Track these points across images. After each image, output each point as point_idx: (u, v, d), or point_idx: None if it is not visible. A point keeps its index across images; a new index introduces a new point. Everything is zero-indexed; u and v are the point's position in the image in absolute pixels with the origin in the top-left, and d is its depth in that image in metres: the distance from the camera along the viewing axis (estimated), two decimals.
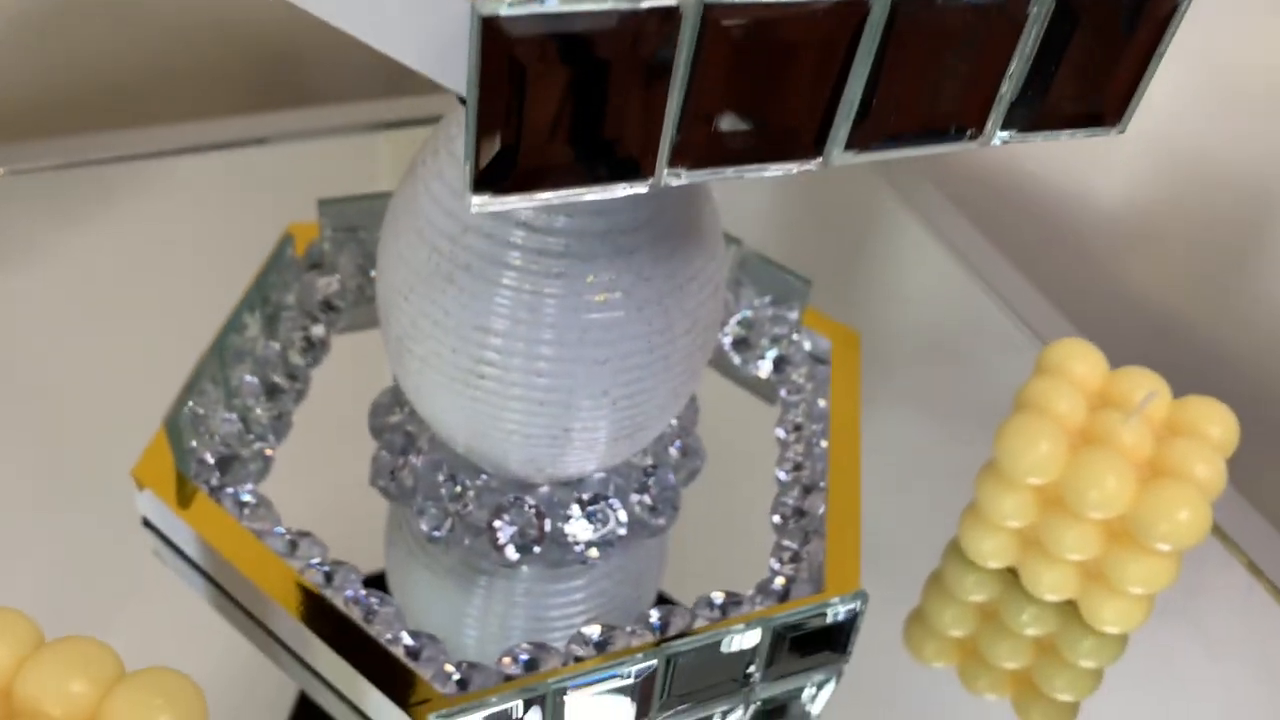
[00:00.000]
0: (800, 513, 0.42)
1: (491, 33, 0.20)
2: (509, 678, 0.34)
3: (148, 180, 0.54)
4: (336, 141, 0.59)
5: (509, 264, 0.33)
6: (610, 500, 0.40)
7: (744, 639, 0.35)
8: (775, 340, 0.48)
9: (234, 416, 0.41)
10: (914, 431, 0.49)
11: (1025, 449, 0.39)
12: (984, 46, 0.22)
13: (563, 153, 0.22)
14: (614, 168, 0.23)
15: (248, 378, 0.42)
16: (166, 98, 0.60)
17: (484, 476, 0.40)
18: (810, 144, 0.23)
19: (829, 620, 0.36)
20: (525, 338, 0.33)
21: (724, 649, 0.35)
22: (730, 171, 0.23)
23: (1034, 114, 0.23)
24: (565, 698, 0.33)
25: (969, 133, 0.23)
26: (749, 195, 0.60)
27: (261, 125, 0.58)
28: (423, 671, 0.34)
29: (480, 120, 0.21)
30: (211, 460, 0.39)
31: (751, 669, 0.36)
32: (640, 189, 0.23)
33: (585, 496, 0.40)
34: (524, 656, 0.35)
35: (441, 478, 0.40)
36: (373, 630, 0.35)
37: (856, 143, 0.23)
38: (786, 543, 0.40)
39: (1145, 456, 0.39)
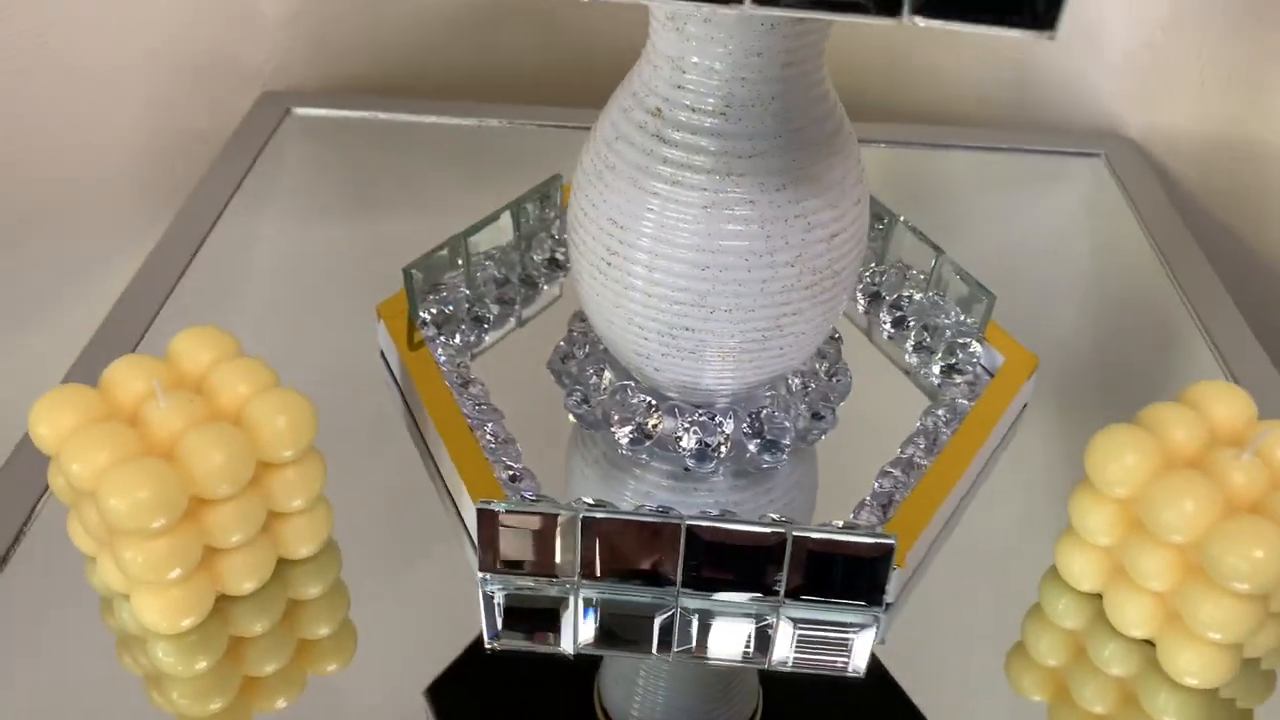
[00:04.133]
0: (897, 485, 0.43)
1: None
2: None
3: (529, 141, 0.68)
4: None
5: (641, 167, 0.40)
6: (721, 421, 0.45)
7: (765, 538, 0.38)
8: (951, 349, 0.49)
9: (466, 291, 0.51)
10: (1062, 460, 0.48)
11: (1110, 459, 0.38)
12: None
13: None
14: None
15: (489, 265, 0.52)
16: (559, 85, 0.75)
17: (626, 382, 0.47)
18: None
19: (845, 544, 0.38)
20: (641, 232, 0.40)
21: (745, 540, 0.38)
22: None
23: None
24: (594, 525, 0.38)
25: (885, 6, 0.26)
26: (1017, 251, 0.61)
27: None
28: (506, 490, 0.42)
29: None
30: (433, 313, 0.50)
31: (777, 578, 0.39)
32: None
33: (700, 413, 0.45)
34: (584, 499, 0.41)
35: (590, 372, 0.47)
36: (490, 456, 0.43)
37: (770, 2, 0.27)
38: (867, 509, 0.43)
39: (1252, 498, 0.37)
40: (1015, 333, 0.50)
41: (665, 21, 0.38)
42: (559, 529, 0.39)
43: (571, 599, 0.40)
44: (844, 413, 0.48)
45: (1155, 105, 0.68)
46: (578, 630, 0.40)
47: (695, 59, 0.38)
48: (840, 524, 0.41)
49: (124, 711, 0.38)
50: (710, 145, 0.39)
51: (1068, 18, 0.26)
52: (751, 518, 0.39)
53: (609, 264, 0.41)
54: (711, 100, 0.39)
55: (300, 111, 0.69)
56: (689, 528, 0.38)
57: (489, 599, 0.41)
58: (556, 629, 0.40)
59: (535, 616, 0.40)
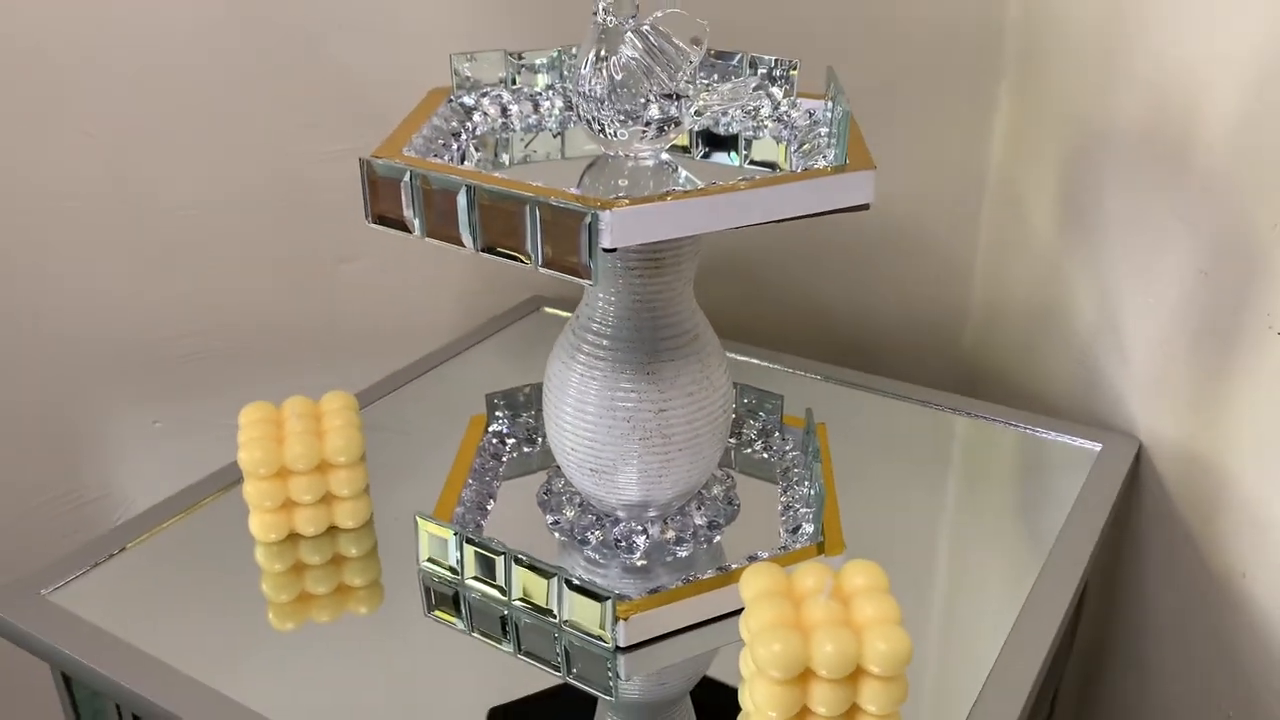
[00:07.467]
0: (676, 582, 0.64)
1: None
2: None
3: None
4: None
5: (565, 349, 0.67)
6: (603, 522, 0.69)
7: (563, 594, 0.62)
8: (796, 527, 0.69)
9: (529, 421, 0.80)
10: None
11: (745, 583, 0.57)
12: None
13: None
14: None
15: None
16: None
17: (570, 488, 0.72)
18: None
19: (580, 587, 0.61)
20: (556, 388, 0.67)
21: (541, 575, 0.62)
22: None
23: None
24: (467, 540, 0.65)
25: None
26: None
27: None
28: (454, 518, 0.70)
29: None
30: (500, 429, 0.80)
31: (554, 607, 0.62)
32: None
33: (592, 514, 0.70)
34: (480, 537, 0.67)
35: (558, 477, 0.74)
36: (460, 500, 0.71)
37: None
38: (645, 591, 0.64)
39: (818, 624, 0.54)
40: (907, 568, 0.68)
41: None
42: (454, 541, 0.66)
43: (462, 591, 0.67)
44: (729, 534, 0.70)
45: (1153, 410, 0.79)
46: (471, 613, 0.66)
47: (599, 293, 0.66)
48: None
49: (250, 589, 0.70)
50: (592, 340, 0.66)
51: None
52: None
53: (546, 405, 0.69)
54: (599, 315, 0.66)
55: (546, 309, 1.04)
56: None
57: (424, 580, 0.68)
58: (458, 607, 0.67)
59: (448, 598, 0.67)
